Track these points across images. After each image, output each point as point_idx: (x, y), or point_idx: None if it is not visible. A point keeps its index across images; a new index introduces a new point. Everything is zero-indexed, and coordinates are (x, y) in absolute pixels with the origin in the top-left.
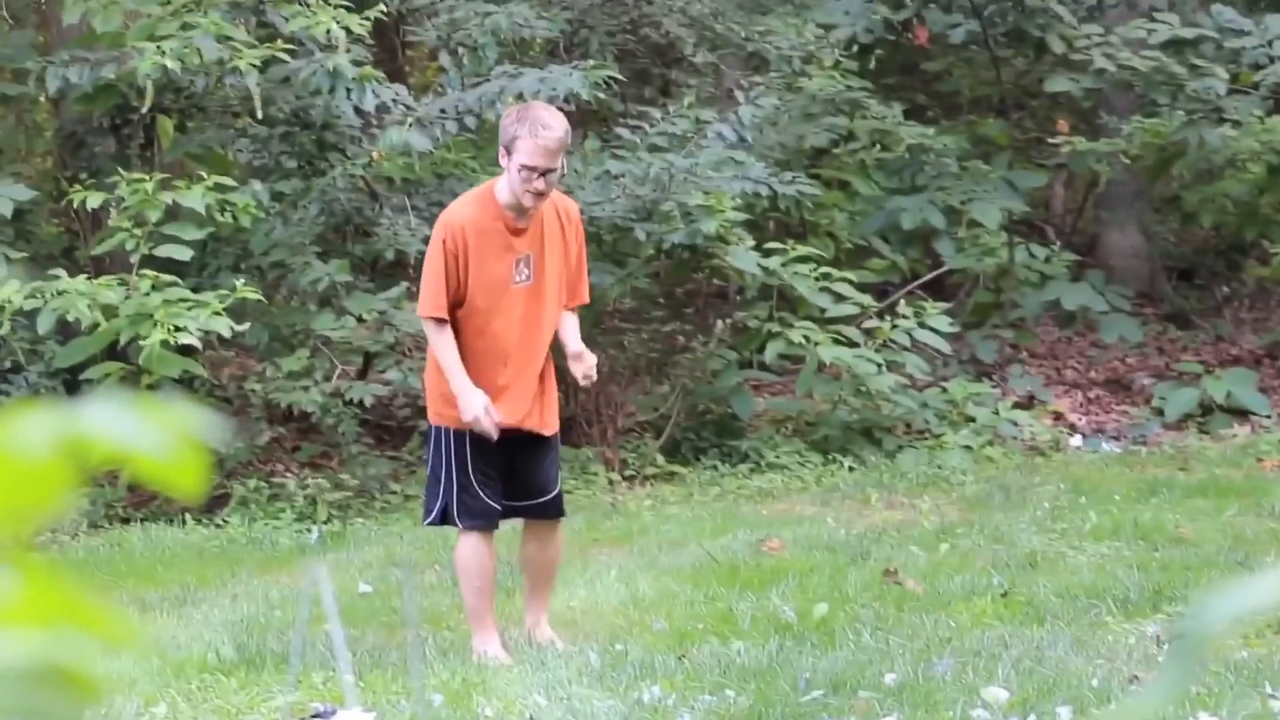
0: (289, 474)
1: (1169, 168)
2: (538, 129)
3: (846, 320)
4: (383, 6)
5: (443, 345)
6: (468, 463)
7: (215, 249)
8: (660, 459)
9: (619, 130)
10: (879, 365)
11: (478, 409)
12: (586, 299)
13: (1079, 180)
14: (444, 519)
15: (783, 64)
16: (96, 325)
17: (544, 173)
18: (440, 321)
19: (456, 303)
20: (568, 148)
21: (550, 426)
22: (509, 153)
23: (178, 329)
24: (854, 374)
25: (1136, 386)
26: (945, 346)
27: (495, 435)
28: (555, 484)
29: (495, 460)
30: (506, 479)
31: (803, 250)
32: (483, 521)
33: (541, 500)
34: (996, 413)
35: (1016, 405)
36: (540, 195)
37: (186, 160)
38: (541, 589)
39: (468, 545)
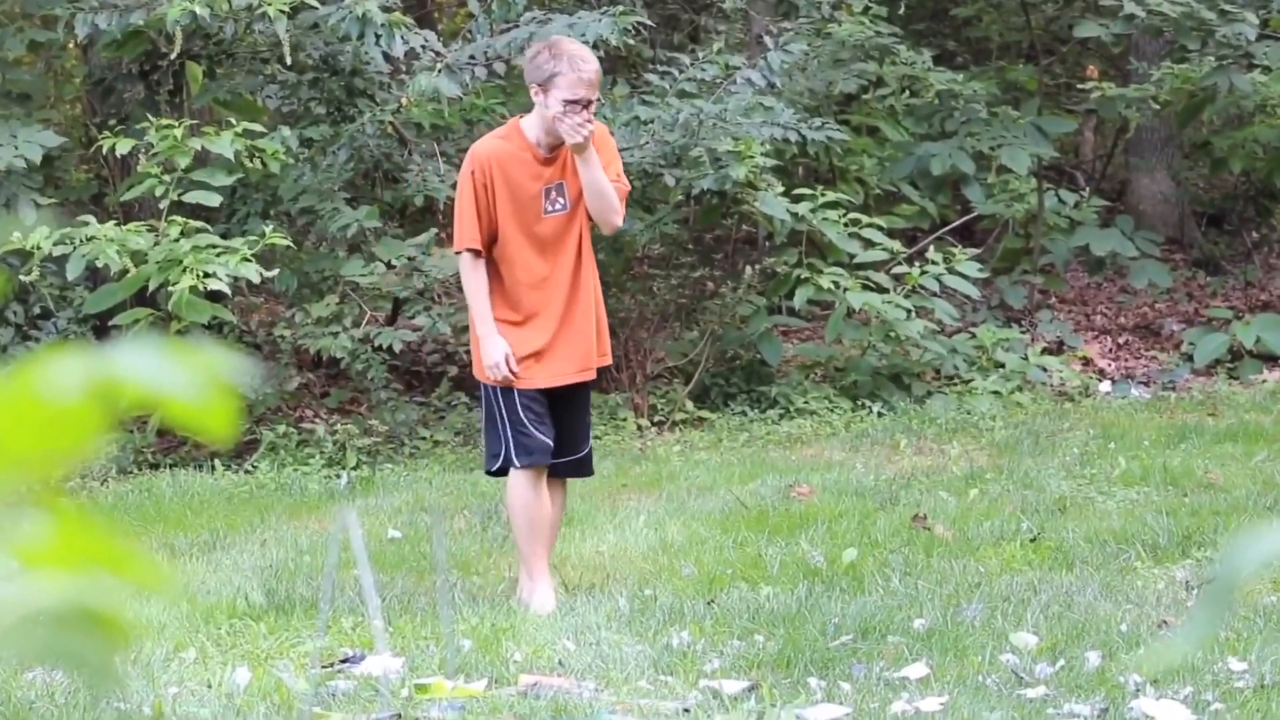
0: (318, 420)
1: (1199, 113)
2: (577, 62)
3: (875, 266)
4: None
5: (473, 284)
6: (516, 403)
7: (244, 195)
8: (689, 405)
9: (648, 76)
10: (908, 311)
11: (497, 356)
12: (626, 185)
13: (1108, 126)
14: (507, 464)
15: (812, 9)
16: (125, 271)
17: (586, 104)
18: (475, 255)
19: (491, 238)
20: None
21: (603, 354)
22: (545, 90)
23: (206, 275)
24: (883, 320)
25: (1166, 332)
26: (974, 292)
27: (511, 379)
28: (585, 443)
29: (541, 398)
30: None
31: (832, 196)
32: (538, 458)
33: (575, 457)
34: (1025, 358)
35: (1045, 351)
36: (584, 126)
37: (215, 106)
38: (549, 544)
39: (518, 485)
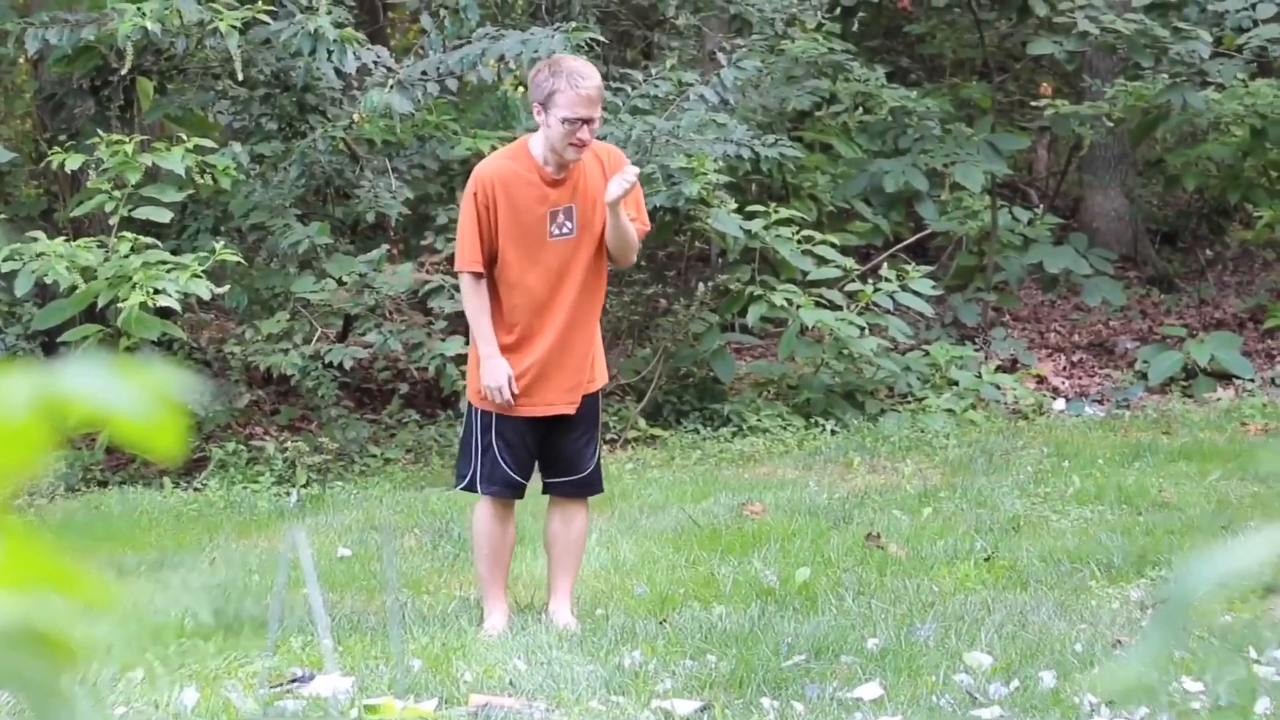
0: (268, 437)
1: (1152, 131)
2: (576, 79)
3: (829, 283)
4: None
5: (474, 305)
6: (491, 427)
7: (195, 211)
8: (641, 422)
9: None
10: (861, 328)
11: (500, 378)
12: (646, 226)
13: (1062, 143)
14: (471, 485)
15: (765, 26)
16: (75, 287)
17: (586, 122)
18: (476, 277)
19: (491, 258)
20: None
21: (598, 382)
22: (545, 108)
23: (156, 291)
24: (836, 337)
25: (1120, 350)
26: (928, 310)
27: (510, 403)
28: (588, 463)
29: (520, 427)
30: (540, 450)
31: (785, 213)
32: (499, 489)
33: (570, 479)
34: (979, 376)
35: (999, 369)
36: (583, 146)
37: (166, 122)
38: (564, 570)
39: (482, 511)
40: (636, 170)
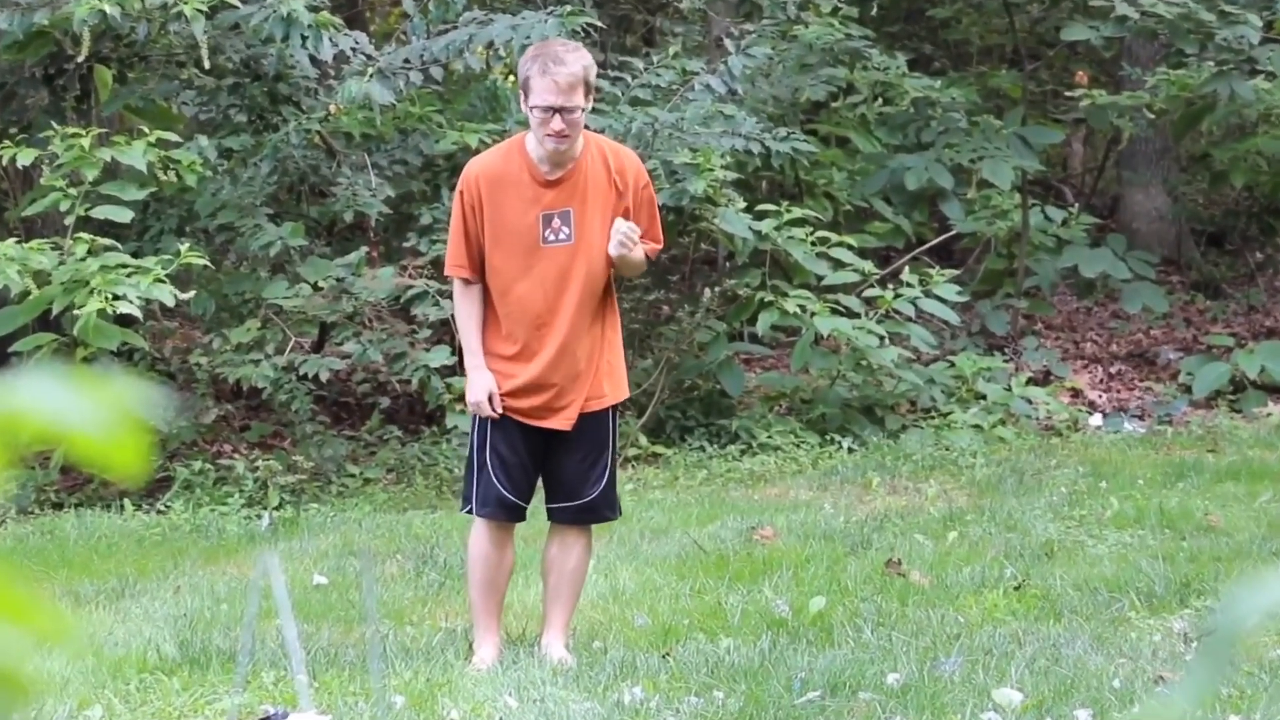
0: (237, 455)
1: (1197, 123)
2: (548, 63)
3: (846, 289)
4: None
5: (461, 312)
6: (486, 443)
7: (157, 210)
8: (643, 439)
9: (598, 82)
10: (881, 338)
11: (480, 394)
12: (658, 245)
13: (1099, 137)
14: (469, 507)
15: (776, 10)
16: (27, 293)
17: (560, 111)
18: (466, 283)
19: (483, 263)
20: (591, 85)
21: (608, 399)
22: (525, 96)
23: (116, 297)
24: (854, 347)
25: (1161, 361)
26: (953, 317)
27: (495, 415)
28: (592, 488)
29: (515, 444)
30: (545, 471)
31: (798, 213)
32: (492, 510)
33: (569, 505)
34: (1009, 389)
35: (1031, 381)
36: (562, 138)
37: (126, 114)
38: (560, 601)
39: (476, 534)
40: (633, 227)
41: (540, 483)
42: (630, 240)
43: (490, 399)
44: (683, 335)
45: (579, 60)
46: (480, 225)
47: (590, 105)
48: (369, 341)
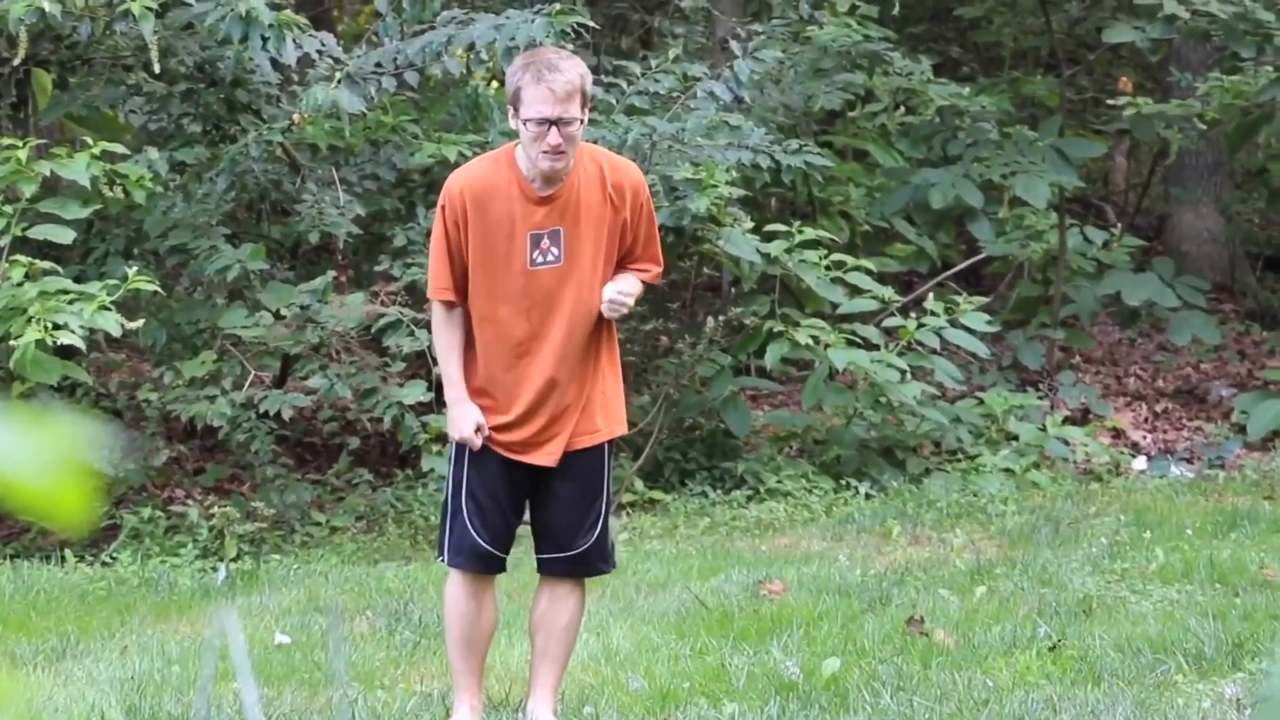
0: (190, 501)
1: (1253, 135)
2: (542, 71)
3: (863, 318)
4: None
5: (441, 339)
6: (462, 486)
7: (102, 230)
8: (639, 484)
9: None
10: (902, 372)
11: (466, 428)
12: (657, 268)
13: (1144, 150)
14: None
15: (788, 9)
16: None
17: (555, 123)
18: (448, 306)
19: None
20: (588, 95)
21: (601, 434)
22: (515, 108)
23: (56, 326)
24: (872, 382)
25: (1213, 398)
26: (982, 349)
27: (476, 447)
28: (584, 537)
29: (494, 488)
30: (533, 518)
31: (811, 233)
32: (466, 560)
33: (559, 556)
34: (1043, 429)
35: (1068, 421)
36: (558, 154)
37: (68, 123)
38: (548, 661)
39: (453, 587)
40: (623, 290)
41: (530, 531)
42: (622, 304)
43: (478, 430)
44: (683, 369)
45: (575, 68)
46: (464, 243)
47: (587, 118)
48: (337, 375)
